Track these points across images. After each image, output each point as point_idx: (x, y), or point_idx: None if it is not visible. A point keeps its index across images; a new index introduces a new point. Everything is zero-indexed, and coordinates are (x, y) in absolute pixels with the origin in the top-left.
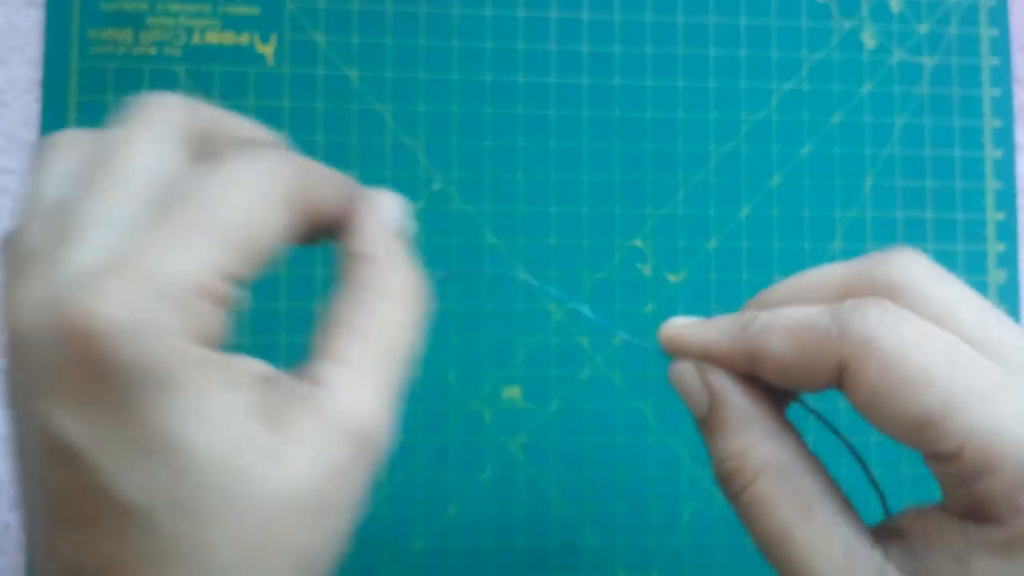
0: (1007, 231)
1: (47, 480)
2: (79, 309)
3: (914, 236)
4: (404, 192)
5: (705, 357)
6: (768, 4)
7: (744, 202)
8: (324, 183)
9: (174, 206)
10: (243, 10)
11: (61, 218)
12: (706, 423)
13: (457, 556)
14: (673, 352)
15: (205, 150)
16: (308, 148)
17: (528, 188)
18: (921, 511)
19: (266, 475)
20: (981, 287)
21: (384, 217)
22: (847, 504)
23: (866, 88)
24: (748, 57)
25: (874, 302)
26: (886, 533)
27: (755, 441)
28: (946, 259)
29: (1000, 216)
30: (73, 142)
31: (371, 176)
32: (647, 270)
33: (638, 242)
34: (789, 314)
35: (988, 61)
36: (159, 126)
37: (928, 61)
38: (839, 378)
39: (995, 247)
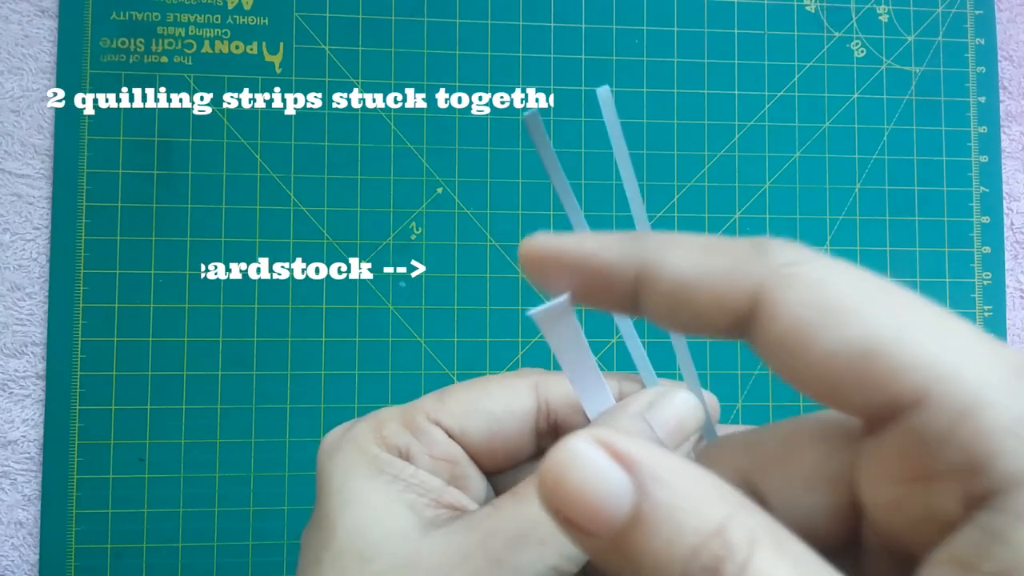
0: (993, 234)
1: None
2: None
3: (902, 238)
4: (408, 195)
5: (580, 269)
6: (761, 14)
7: (738, 205)
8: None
9: None
10: (252, 20)
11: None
12: (638, 522)
13: None
14: (539, 270)
15: None
16: (315, 153)
17: (528, 192)
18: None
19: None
20: (968, 288)
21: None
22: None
23: (856, 95)
24: (742, 65)
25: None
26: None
27: (732, 508)
28: (933, 261)
29: (986, 220)
30: None
31: (376, 180)
32: None
33: None
34: (694, 235)
35: (975, 69)
36: None
37: (916, 69)
38: (748, 311)
39: (981, 249)
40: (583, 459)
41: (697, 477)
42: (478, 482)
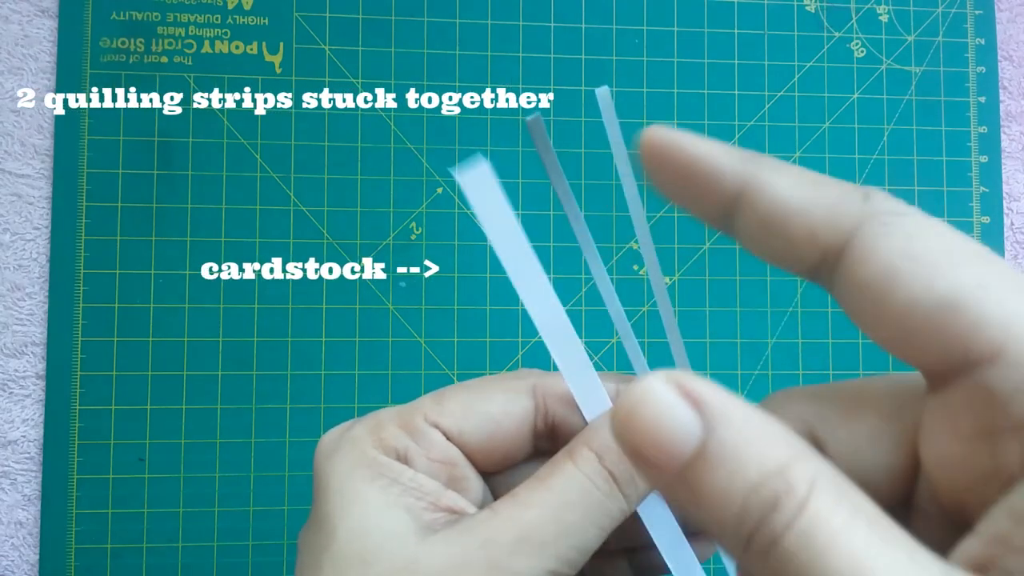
0: (993, 234)
1: None
2: None
3: None
4: (408, 195)
5: (692, 166)
6: (761, 14)
7: None
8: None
9: None
10: (252, 20)
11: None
12: (704, 457)
13: None
14: (655, 157)
15: None
16: (315, 152)
17: (528, 192)
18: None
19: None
20: None
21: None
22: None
23: (856, 95)
24: (742, 65)
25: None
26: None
27: (795, 452)
28: None
29: (986, 220)
30: None
31: (376, 179)
32: (643, 272)
33: (634, 244)
34: (805, 169)
35: (975, 69)
36: None
37: (916, 69)
38: (838, 249)
39: None
40: (656, 396)
41: (763, 421)
42: (476, 483)
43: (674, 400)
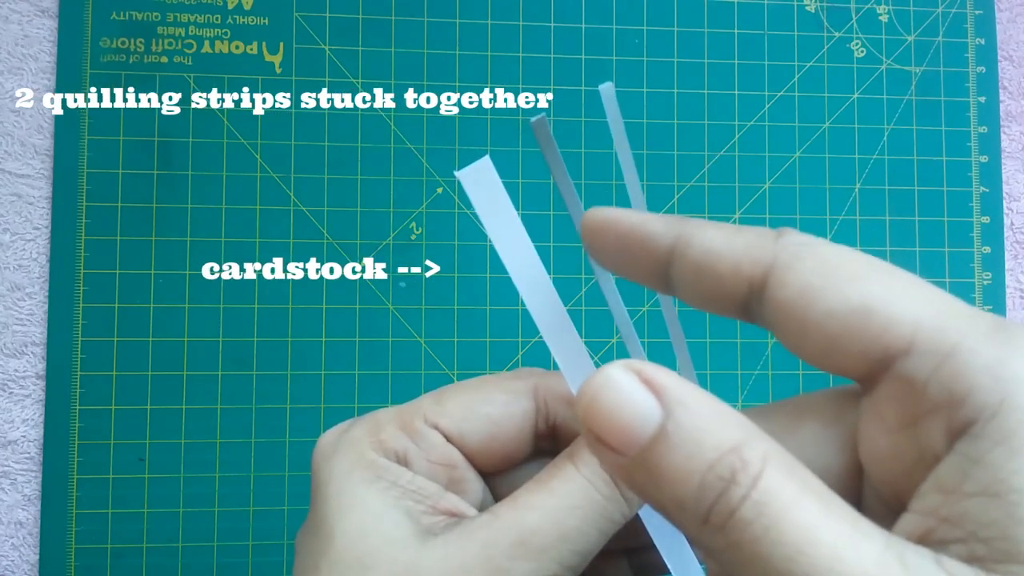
0: (993, 234)
1: None
2: None
3: (902, 238)
4: (408, 195)
5: (628, 235)
6: (761, 14)
7: (738, 205)
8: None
9: None
10: (252, 20)
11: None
12: (663, 439)
13: None
14: (594, 235)
15: None
16: (315, 153)
17: (528, 192)
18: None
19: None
20: (968, 288)
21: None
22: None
23: (856, 95)
24: (742, 65)
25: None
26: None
27: (748, 433)
28: (933, 261)
29: (986, 220)
30: None
31: (376, 180)
32: None
33: None
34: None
35: (975, 69)
36: None
37: (916, 69)
38: (761, 280)
39: (981, 249)
40: (616, 383)
41: (717, 405)
42: (475, 485)
43: (634, 386)
